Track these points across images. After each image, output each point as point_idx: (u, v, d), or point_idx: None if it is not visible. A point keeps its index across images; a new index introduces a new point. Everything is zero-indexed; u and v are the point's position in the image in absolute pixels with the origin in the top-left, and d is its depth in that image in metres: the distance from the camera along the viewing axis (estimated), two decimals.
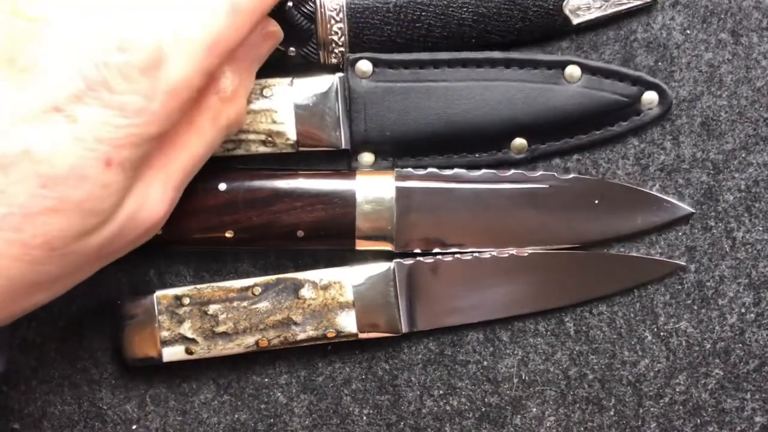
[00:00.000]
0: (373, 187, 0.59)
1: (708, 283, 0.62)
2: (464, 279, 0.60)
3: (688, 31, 0.62)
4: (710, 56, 0.62)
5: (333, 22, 0.60)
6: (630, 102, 0.61)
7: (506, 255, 0.60)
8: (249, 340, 0.59)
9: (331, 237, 0.59)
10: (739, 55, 0.62)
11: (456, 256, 0.60)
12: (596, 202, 0.61)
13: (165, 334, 0.59)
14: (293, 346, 0.60)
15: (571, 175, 0.61)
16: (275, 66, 0.60)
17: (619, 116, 0.62)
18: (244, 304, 0.59)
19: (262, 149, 0.60)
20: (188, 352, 0.59)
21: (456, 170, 0.61)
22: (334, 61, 0.61)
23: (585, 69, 0.61)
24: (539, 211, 0.60)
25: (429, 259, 0.60)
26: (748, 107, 0.62)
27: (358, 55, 0.60)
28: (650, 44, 0.62)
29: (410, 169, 0.61)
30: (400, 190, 0.60)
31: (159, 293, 0.60)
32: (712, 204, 0.62)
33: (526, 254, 0.60)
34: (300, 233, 0.59)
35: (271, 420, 0.62)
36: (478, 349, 0.62)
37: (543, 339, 0.62)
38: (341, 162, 0.62)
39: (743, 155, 0.62)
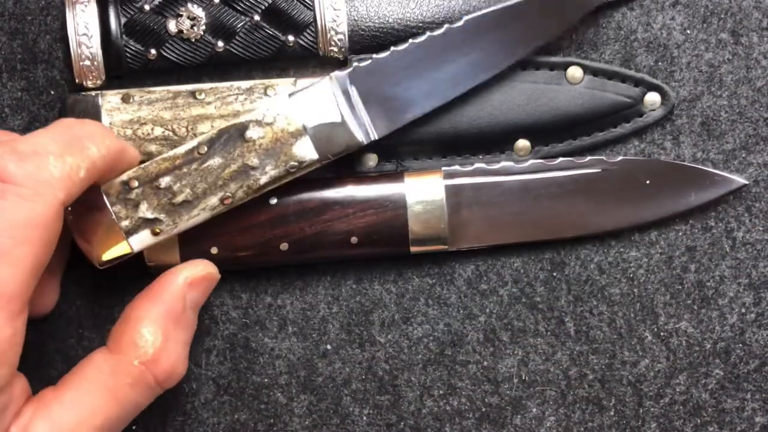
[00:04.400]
0: (422, 188, 0.59)
1: (708, 283, 0.62)
2: None
3: (688, 31, 0.62)
4: (710, 56, 0.62)
5: (332, 9, 0.60)
6: (632, 103, 0.61)
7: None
8: (212, 201, 0.56)
9: (385, 240, 0.59)
10: (739, 55, 0.62)
11: None
12: (648, 182, 0.60)
13: (125, 223, 0.56)
14: (259, 194, 0.57)
15: (620, 158, 0.61)
16: (274, 57, 0.60)
17: (621, 117, 0.62)
18: (194, 166, 0.56)
19: None
20: (155, 233, 0.56)
21: (503, 163, 0.61)
22: (333, 50, 0.61)
23: (587, 70, 0.61)
24: (591, 196, 0.60)
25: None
26: (748, 107, 0.62)
27: (361, 57, 0.60)
28: (650, 44, 0.62)
29: (457, 167, 0.60)
30: (449, 188, 0.60)
31: (103, 186, 0.56)
32: (712, 204, 0.62)
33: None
34: (354, 240, 0.59)
35: (271, 420, 0.62)
36: (478, 349, 0.62)
37: (543, 339, 0.62)
38: (345, 164, 0.62)
39: (743, 155, 0.62)
